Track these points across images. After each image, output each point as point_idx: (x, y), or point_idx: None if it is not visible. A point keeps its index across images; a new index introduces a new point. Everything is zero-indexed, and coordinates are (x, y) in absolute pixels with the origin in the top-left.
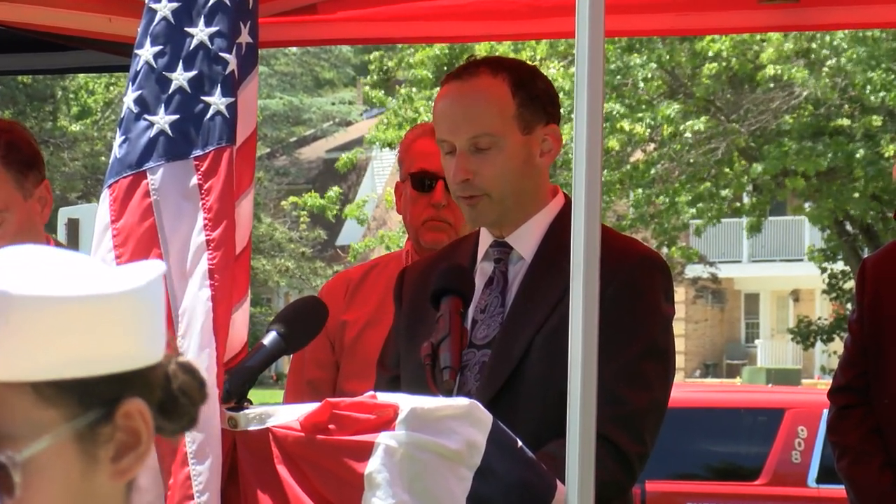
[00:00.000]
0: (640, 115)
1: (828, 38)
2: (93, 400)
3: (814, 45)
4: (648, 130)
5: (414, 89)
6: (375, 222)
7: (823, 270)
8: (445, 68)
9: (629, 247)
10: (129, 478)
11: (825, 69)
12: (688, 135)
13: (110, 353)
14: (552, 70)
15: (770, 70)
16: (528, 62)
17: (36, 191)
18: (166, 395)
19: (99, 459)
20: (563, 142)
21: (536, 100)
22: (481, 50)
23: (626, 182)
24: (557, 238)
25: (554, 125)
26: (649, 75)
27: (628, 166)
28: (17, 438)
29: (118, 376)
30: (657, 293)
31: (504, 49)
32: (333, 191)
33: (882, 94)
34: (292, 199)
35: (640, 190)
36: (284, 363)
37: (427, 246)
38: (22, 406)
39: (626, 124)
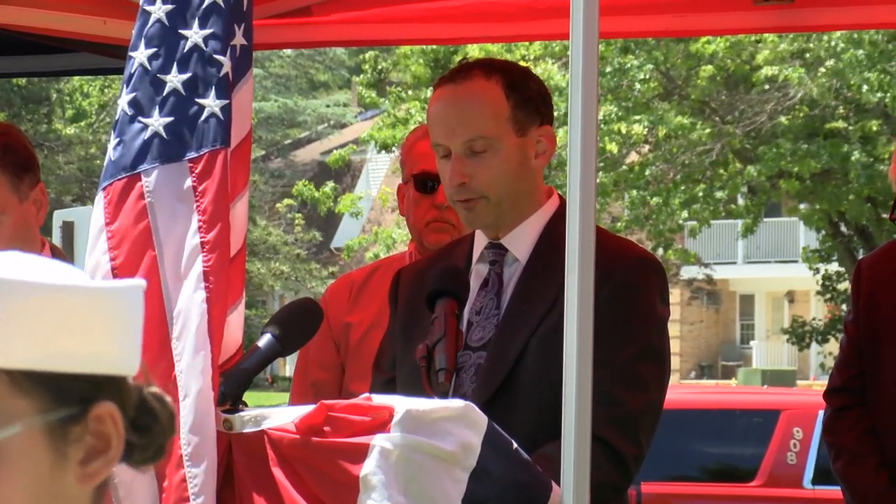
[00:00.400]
0: (636, 117)
1: (825, 38)
2: (66, 396)
3: (810, 46)
4: (646, 132)
5: (409, 91)
6: (370, 223)
7: (817, 272)
8: (439, 69)
9: (624, 248)
10: (96, 482)
11: (821, 70)
12: (687, 135)
13: (87, 352)
14: (539, 69)
15: (766, 71)
16: (521, 62)
17: (31, 193)
18: (139, 413)
19: (68, 458)
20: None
21: (530, 101)
22: (473, 49)
23: (621, 184)
24: (552, 239)
25: (548, 126)
26: (646, 76)
27: (624, 167)
28: None
29: (93, 377)
30: (652, 294)
31: (497, 48)
32: (328, 185)
33: (878, 94)
34: (287, 201)
35: (634, 191)
36: (280, 365)
37: (430, 247)
38: None
39: (623, 126)
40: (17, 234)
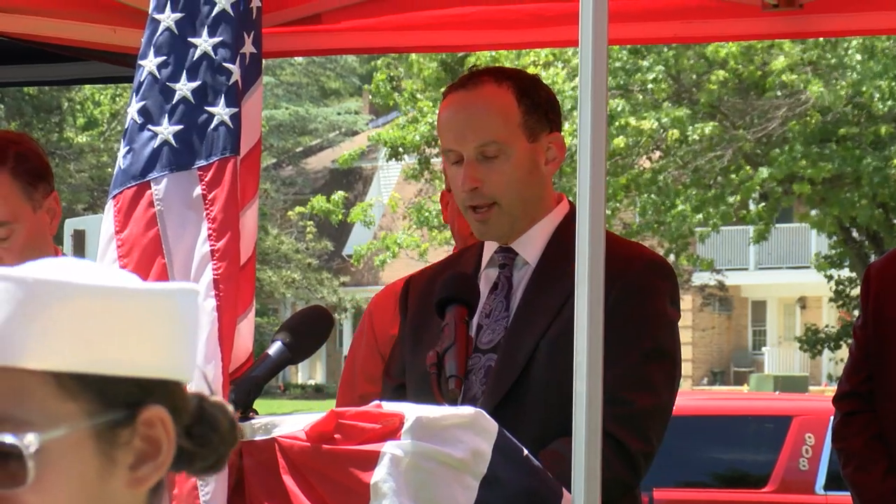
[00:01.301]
0: (644, 114)
1: (839, 49)
2: (114, 400)
3: (827, 56)
4: (654, 128)
5: (419, 95)
6: (382, 230)
7: (829, 278)
8: (450, 73)
9: (634, 251)
10: (146, 487)
11: (836, 78)
12: (695, 136)
13: (137, 356)
14: (552, 72)
15: (785, 77)
16: (531, 68)
17: (45, 202)
18: (197, 422)
19: (117, 463)
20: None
21: (540, 108)
22: (483, 56)
23: (632, 189)
24: (562, 243)
25: (557, 133)
26: (657, 77)
27: (634, 170)
28: (35, 425)
29: (142, 381)
30: (662, 297)
31: (504, 53)
32: (338, 194)
33: (890, 102)
34: (298, 209)
35: (645, 196)
36: (292, 373)
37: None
38: (43, 395)
39: (632, 121)
40: (30, 243)
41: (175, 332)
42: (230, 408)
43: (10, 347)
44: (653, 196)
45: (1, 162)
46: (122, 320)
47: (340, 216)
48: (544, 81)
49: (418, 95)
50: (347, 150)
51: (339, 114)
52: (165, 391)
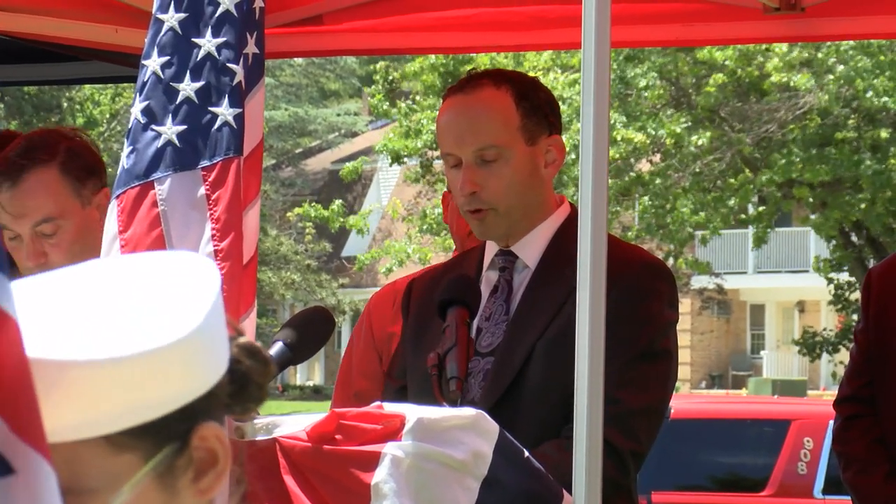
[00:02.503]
0: (640, 124)
1: (833, 46)
2: (166, 437)
3: (819, 55)
4: (649, 140)
5: (418, 97)
6: (381, 233)
7: (830, 281)
8: (449, 79)
9: (633, 254)
10: (212, 496)
11: (830, 77)
12: (692, 148)
13: (180, 391)
14: (551, 77)
15: (775, 77)
16: (530, 73)
17: (95, 198)
18: (231, 385)
19: (179, 489)
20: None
21: (539, 111)
22: (483, 59)
23: (632, 192)
24: (562, 246)
25: (557, 136)
26: (650, 83)
27: (632, 174)
28: (100, 491)
29: (188, 408)
30: (659, 299)
31: (506, 59)
32: (336, 204)
33: (885, 99)
34: (298, 210)
35: (646, 199)
36: (290, 374)
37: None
38: (98, 459)
39: (625, 132)
40: (78, 240)
41: (207, 348)
42: (257, 345)
43: (51, 426)
44: (652, 199)
45: (50, 157)
46: (158, 371)
47: (339, 223)
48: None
49: (417, 100)
50: (347, 152)
51: (338, 115)
52: (208, 402)
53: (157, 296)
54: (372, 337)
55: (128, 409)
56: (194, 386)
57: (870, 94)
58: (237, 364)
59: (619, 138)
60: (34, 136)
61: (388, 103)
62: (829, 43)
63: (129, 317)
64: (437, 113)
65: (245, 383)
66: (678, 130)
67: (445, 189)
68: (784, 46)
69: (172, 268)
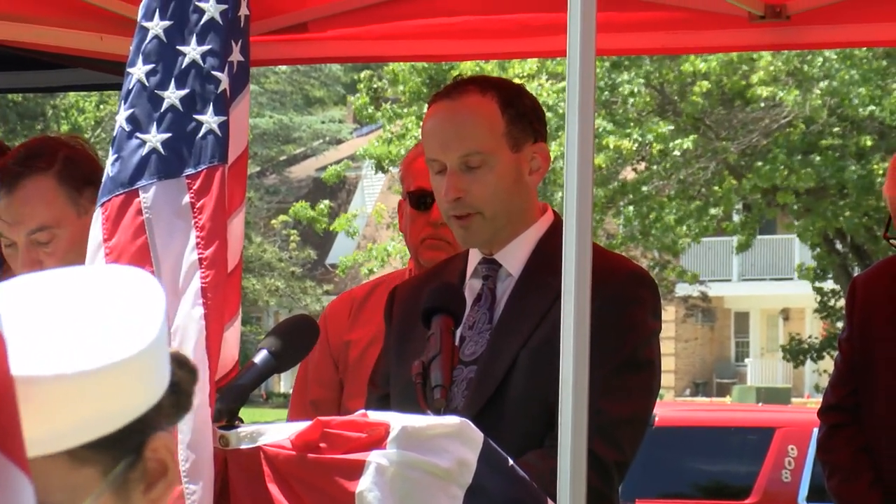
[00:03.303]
0: (627, 130)
1: (818, 57)
2: (124, 449)
3: (804, 68)
4: (636, 146)
5: (403, 102)
6: (365, 240)
7: (818, 290)
8: (433, 84)
9: (616, 263)
10: None
11: (817, 91)
12: (676, 153)
13: (135, 403)
14: (536, 85)
15: (761, 91)
16: (516, 80)
17: (92, 208)
18: (169, 399)
19: (133, 501)
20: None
21: (525, 118)
22: (469, 66)
23: (617, 200)
24: (545, 254)
25: (542, 143)
26: (636, 90)
27: (616, 183)
28: None
29: (142, 418)
30: (642, 308)
31: (491, 66)
32: (324, 203)
33: (870, 108)
34: (283, 217)
35: (630, 208)
36: (274, 382)
37: (426, 264)
38: (61, 473)
39: (612, 140)
40: (73, 248)
41: (160, 360)
42: (185, 356)
43: None
44: (637, 207)
45: (48, 165)
46: (116, 384)
47: (325, 225)
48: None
49: (402, 108)
50: (332, 159)
51: (323, 122)
52: (157, 412)
53: (110, 311)
54: (328, 345)
55: (90, 421)
56: (148, 397)
57: (855, 102)
58: (172, 375)
59: (604, 144)
60: (33, 144)
61: (372, 107)
62: (813, 56)
63: (87, 331)
64: (422, 119)
65: (179, 395)
66: (665, 133)
67: (400, 198)
68: (768, 56)
69: (119, 283)
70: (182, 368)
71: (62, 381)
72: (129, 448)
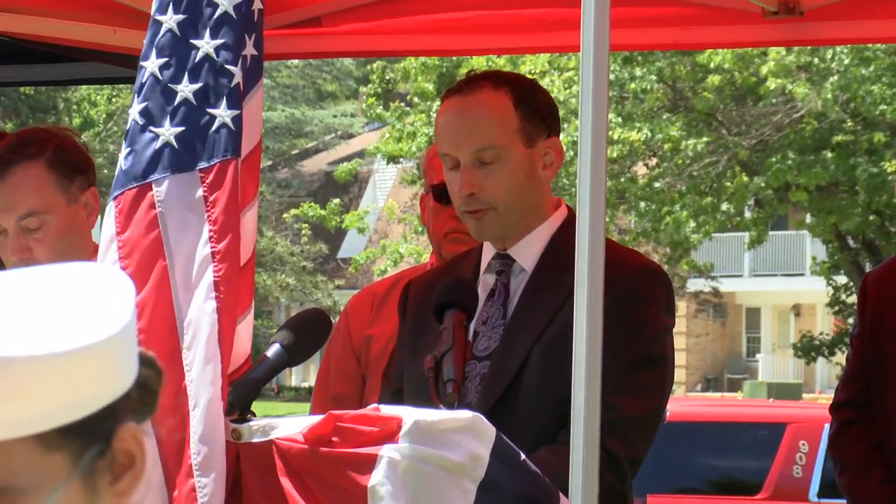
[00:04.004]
0: (638, 125)
1: (829, 53)
2: (93, 436)
3: (815, 60)
4: (645, 138)
5: (416, 99)
6: (377, 234)
7: (831, 285)
8: (445, 81)
9: (629, 258)
10: (128, 499)
11: (828, 85)
12: (688, 152)
13: (105, 390)
14: (548, 81)
15: (771, 83)
16: (528, 76)
17: (82, 197)
18: (136, 396)
19: (100, 491)
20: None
21: (538, 113)
22: (480, 62)
23: (628, 196)
24: (559, 249)
25: (555, 138)
26: (648, 87)
27: (626, 177)
28: (30, 491)
29: (111, 406)
30: (655, 304)
31: (503, 62)
32: (334, 202)
33: (882, 107)
34: (294, 212)
35: (642, 204)
36: (286, 375)
37: (449, 257)
38: (30, 458)
39: (621, 133)
40: (62, 236)
41: (129, 347)
42: (150, 353)
43: None
44: (649, 203)
45: (38, 153)
46: (86, 370)
47: (335, 223)
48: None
49: (414, 101)
50: (344, 154)
51: (335, 116)
52: (125, 402)
53: (80, 301)
54: (350, 340)
55: (62, 405)
56: (118, 384)
57: (868, 101)
58: (139, 372)
59: (615, 137)
60: (24, 133)
61: (381, 106)
62: (825, 51)
63: (58, 317)
64: (433, 116)
65: (144, 394)
66: (676, 134)
67: (422, 192)
68: (781, 50)
69: (90, 277)
70: (148, 367)
71: (34, 362)
72: (98, 436)
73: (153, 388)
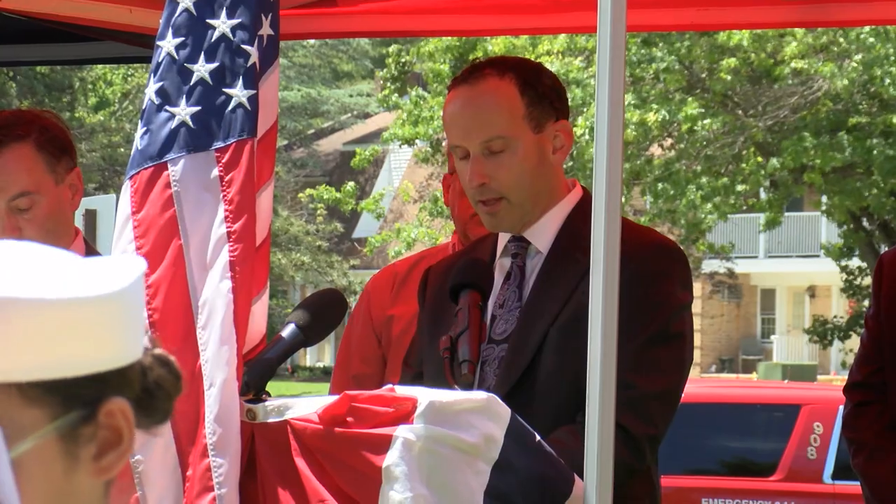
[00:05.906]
0: (654, 106)
1: (852, 33)
2: (76, 400)
3: (839, 40)
4: (662, 119)
5: (434, 85)
6: (392, 215)
7: (844, 269)
8: (460, 64)
9: (645, 235)
10: (110, 476)
11: (851, 64)
12: (704, 132)
13: (93, 354)
14: (565, 62)
15: (796, 64)
16: (545, 57)
17: (67, 177)
18: (142, 389)
19: (81, 459)
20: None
21: (544, 97)
22: (497, 44)
23: (643, 176)
24: (573, 230)
25: (564, 120)
26: (668, 67)
27: (642, 159)
28: (5, 438)
29: (100, 376)
30: (671, 280)
31: (521, 42)
32: (349, 185)
33: None
34: (309, 191)
35: (659, 185)
36: (300, 355)
37: (475, 238)
38: (8, 406)
39: (637, 115)
40: (51, 216)
41: (127, 319)
42: (172, 358)
43: None
44: (664, 184)
45: (26, 133)
46: (78, 323)
47: (351, 206)
48: (556, 72)
49: (430, 87)
50: (360, 133)
51: (350, 96)
52: (120, 377)
53: (83, 265)
54: (370, 320)
55: (45, 359)
56: (109, 354)
57: (887, 82)
58: (150, 371)
59: (628, 118)
60: (7, 114)
61: (396, 94)
62: (849, 31)
63: (55, 271)
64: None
65: (155, 391)
66: (693, 113)
67: (447, 172)
68: (802, 31)
69: (100, 260)
70: (165, 367)
71: (18, 305)
72: (82, 400)
73: (168, 391)
